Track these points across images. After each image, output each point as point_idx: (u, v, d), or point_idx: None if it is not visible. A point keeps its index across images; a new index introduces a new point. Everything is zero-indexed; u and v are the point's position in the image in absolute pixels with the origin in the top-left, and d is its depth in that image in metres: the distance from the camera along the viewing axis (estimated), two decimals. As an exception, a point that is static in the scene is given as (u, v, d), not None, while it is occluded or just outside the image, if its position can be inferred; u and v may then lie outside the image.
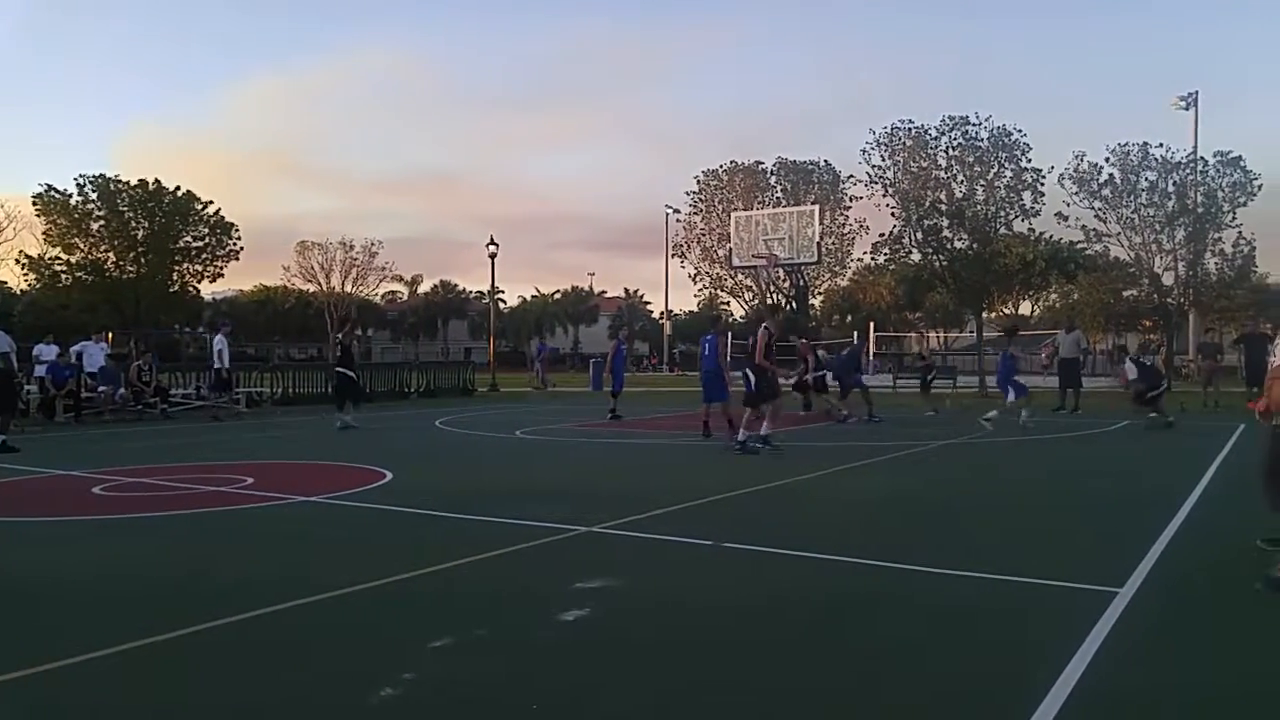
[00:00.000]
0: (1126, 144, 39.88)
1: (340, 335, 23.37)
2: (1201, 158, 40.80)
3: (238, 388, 29.54)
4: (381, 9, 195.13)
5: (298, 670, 5.45)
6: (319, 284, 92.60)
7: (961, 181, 38.22)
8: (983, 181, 38.01)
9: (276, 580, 7.45)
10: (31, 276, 66.23)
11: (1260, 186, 39.07)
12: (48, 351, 25.57)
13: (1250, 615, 6.52)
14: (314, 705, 4.94)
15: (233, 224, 68.34)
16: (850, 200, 46.50)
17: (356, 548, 8.97)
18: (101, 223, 62.39)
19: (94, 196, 62.46)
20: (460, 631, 6.06)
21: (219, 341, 26.15)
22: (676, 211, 53.97)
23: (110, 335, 33.07)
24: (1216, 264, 40.98)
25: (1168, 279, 41.76)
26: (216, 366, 26.19)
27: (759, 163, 48.36)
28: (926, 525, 10.18)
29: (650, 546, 8.90)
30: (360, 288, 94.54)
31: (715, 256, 47.77)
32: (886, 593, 7.23)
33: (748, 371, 16.75)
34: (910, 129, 38.71)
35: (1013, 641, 5.98)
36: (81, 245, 62.42)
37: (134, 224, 62.98)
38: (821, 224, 35.50)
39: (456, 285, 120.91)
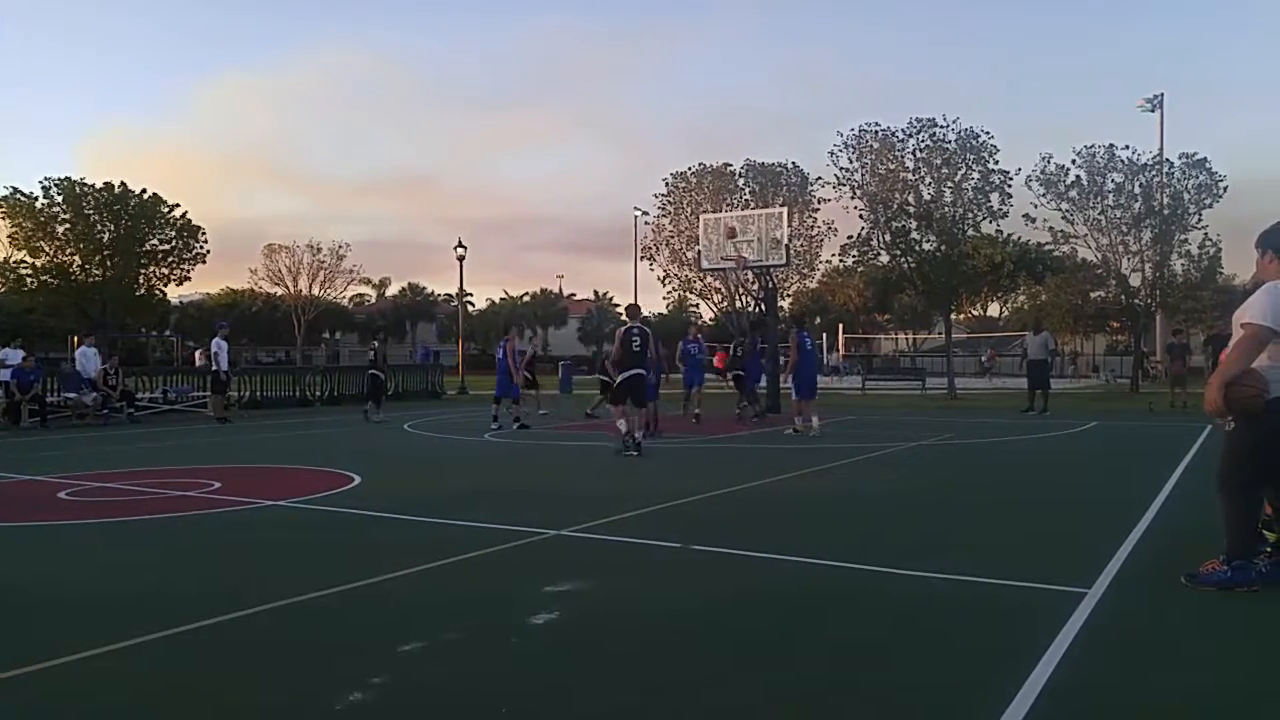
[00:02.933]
0: (1093, 146, 40.11)
1: (375, 342, 27.07)
2: (1167, 160, 41.06)
3: (206, 391, 29.50)
4: (351, 9, 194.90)
5: (266, 675, 5.40)
6: (286, 287, 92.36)
7: (929, 183, 38.35)
8: (950, 183, 38.13)
9: (243, 585, 7.40)
10: (-5, 281, 65.77)
11: (1226, 188, 39.36)
12: (13, 356, 25.38)
13: (1217, 615, 6.55)
14: (282, 710, 4.89)
15: (200, 227, 67.79)
16: (819, 202, 46.53)
17: (324, 552, 8.92)
18: (67, 226, 61.74)
19: (59, 199, 61.85)
20: (430, 635, 6.03)
21: (216, 344, 26.18)
22: (645, 214, 53.93)
23: (76, 339, 32.85)
24: (1183, 265, 41.23)
25: (1135, 280, 42.04)
26: (214, 369, 26.19)
27: (727, 165, 48.35)
28: (894, 526, 10.19)
29: (619, 549, 8.89)
30: (328, 291, 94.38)
31: (684, 259, 47.68)
32: (855, 594, 7.24)
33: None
34: (877, 131, 38.81)
35: (982, 642, 5.99)
36: (47, 248, 61.77)
37: (100, 227, 62.36)
38: (790, 226, 35.41)
39: (425, 288, 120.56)
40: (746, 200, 45.94)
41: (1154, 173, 40.21)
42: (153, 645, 5.86)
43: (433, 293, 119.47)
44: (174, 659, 5.69)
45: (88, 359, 26.69)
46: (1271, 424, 6.74)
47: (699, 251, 34.28)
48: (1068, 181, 40.20)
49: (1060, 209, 40.53)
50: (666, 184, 48.98)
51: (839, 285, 78.83)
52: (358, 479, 13.61)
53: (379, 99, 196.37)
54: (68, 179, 61.97)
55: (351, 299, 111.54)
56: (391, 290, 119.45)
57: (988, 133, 37.81)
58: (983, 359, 66.50)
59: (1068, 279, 49.68)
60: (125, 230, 62.98)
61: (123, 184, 63.21)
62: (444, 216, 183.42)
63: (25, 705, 4.98)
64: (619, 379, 17.33)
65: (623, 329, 17.71)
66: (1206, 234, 40.23)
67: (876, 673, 5.45)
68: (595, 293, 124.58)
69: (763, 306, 36.38)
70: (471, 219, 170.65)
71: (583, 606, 6.83)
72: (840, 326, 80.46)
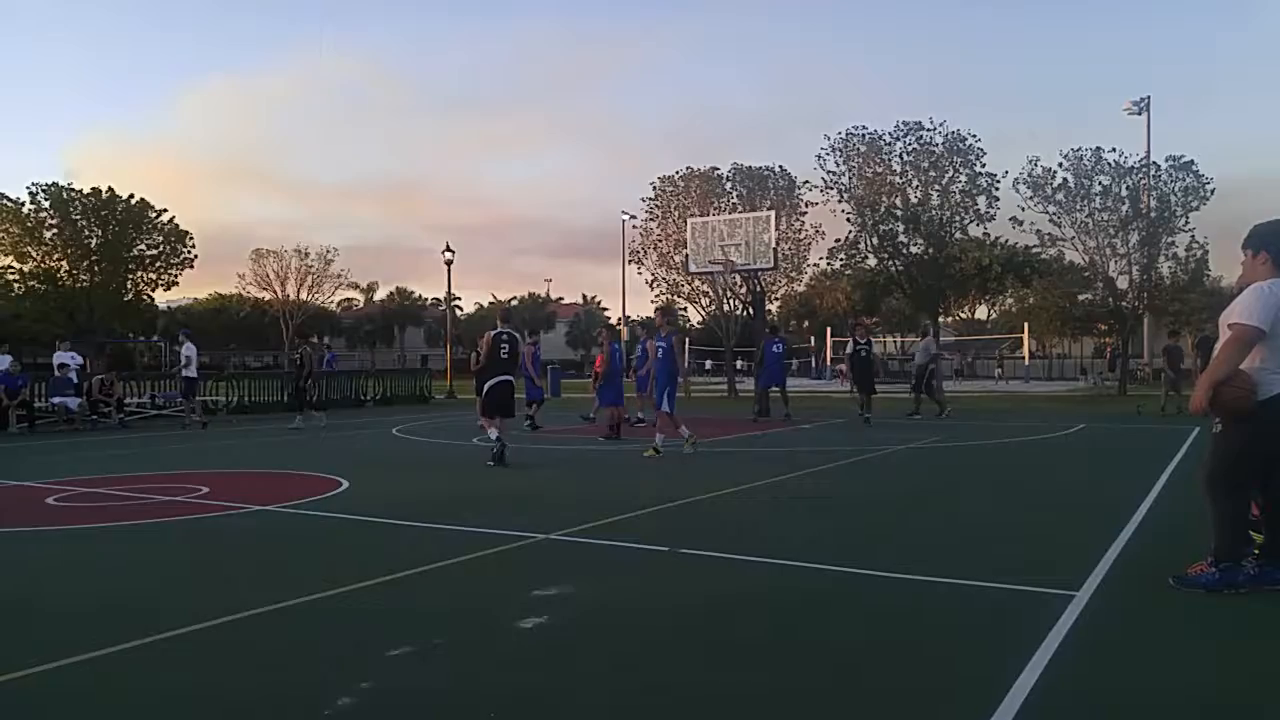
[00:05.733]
0: (1080, 149, 40.22)
1: (305, 345, 25.79)
2: (1154, 162, 41.17)
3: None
4: (337, 14, 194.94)
5: (253, 680, 5.39)
6: (274, 292, 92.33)
7: (916, 187, 38.46)
8: (937, 186, 38.26)
9: (230, 590, 7.39)
10: (-17, 287, 65.65)
11: (1212, 191, 39.47)
12: (0, 361, 25.34)
13: (1205, 617, 6.56)
14: (270, 714, 4.89)
15: (187, 232, 67.96)
16: (806, 206, 46.51)
17: (312, 557, 8.91)
18: (54, 231, 61.84)
19: (47, 205, 61.89)
20: (417, 640, 6.01)
21: (189, 349, 26.18)
22: (633, 218, 53.84)
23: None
24: (1170, 268, 41.34)
25: (1122, 283, 42.12)
26: (188, 375, 26.20)
27: (715, 168, 48.26)
28: (881, 529, 10.20)
29: (607, 553, 8.89)
30: (316, 295, 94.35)
31: (672, 263, 47.58)
32: (843, 597, 7.25)
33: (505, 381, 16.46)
34: (864, 135, 38.93)
35: (970, 645, 6.00)
36: (34, 254, 61.87)
37: (87, 233, 62.46)
38: (778, 230, 35.43)
39: (413, 292, 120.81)
40: (734, 204, 45.88)
41: (1141, 175, 40.33)
42: (139, 651, 5.85)
43: (421, 297, 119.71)
44: (161, 664, 5.68)
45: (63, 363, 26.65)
46: (1260, 426, 6.75)
47: (687, 255, 34.31)
48: (1055, 184, 40.30)
49: (1047, 212, 40.67)
50: (654, 188, 48.90)
51: (827, 288, 78.78)
52: (346, 484, 13.58)
53: (366, 104, 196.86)
54: (55, 185, 62.03)
55: (339, 303, 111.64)
56: (379, 295, 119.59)
57: (974, 135, 38.00)
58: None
59: (1055, 282, 49.79)
60: (113, 236, 63.05)
61: (110, 189, 63.26)
62: (431, 221, 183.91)
63: (14, 709, 4.97)
64: (486, 387, 16.49)
65: (491, 333, 16.79)
66: (1193, 236, 40.42)
67: (866, 675, 5.46)
68: (583, 296, 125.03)
69: (751, 310, 36.44)
70: (459, 223, 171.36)
71: (571, 610, 6.83)
72: (829, 330, 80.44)
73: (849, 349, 26.04)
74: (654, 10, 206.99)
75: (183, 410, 27.11)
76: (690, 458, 16.44)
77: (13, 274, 63.33)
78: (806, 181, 45.21)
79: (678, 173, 48.65)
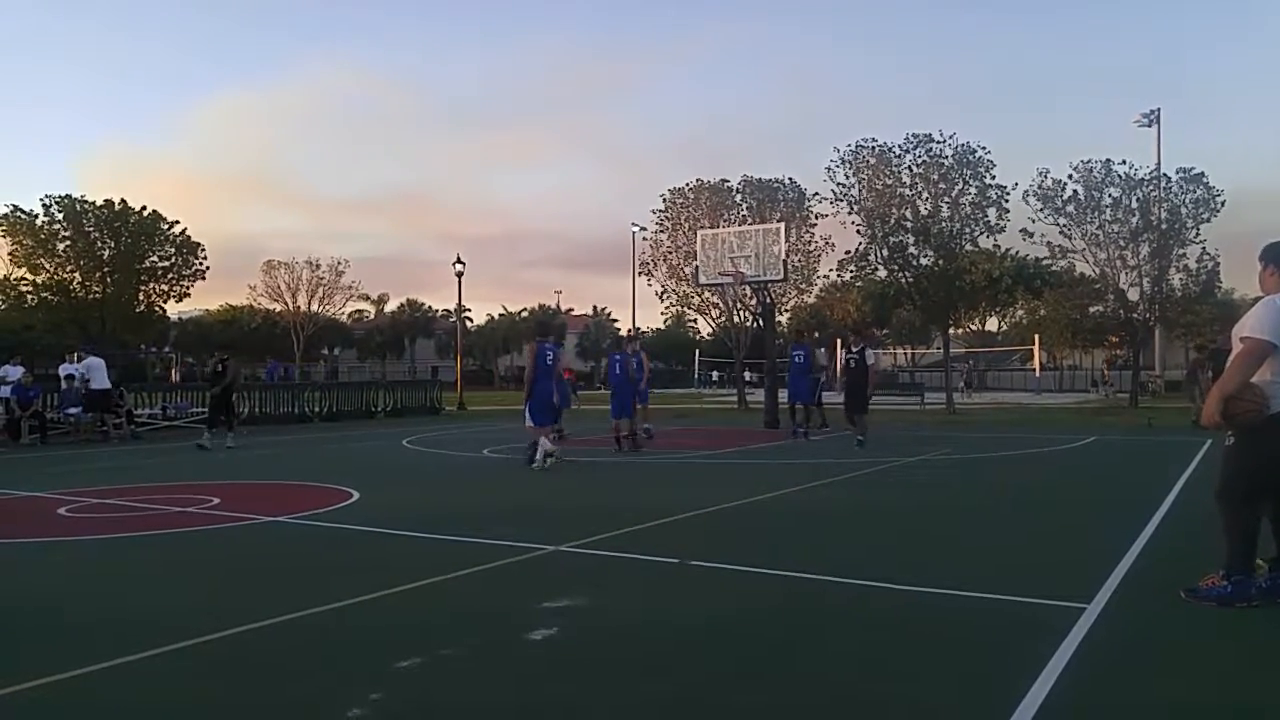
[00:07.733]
0: (1090, 161, 40.07)
1: (223, 357, 24.23)
2: (1164, 174, 41.03)
3: (196, 407, 29.72)
4: (348, 27, 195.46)
5: (262, 691, 5.40)
6: (285, 303, 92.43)
7: (926, 199, 38.38)
8: (947, 198, 38.15)
9: (240, 601, 7.39)
10: (-3, 298, 65.88)
11: (1223, 203, 39.32)
12: (13, 373, 25.43)
13: (1217, 629, 6.54)
14: (279, 728, 4.91)
15: (199, 244, 68.03)
16: (816, 218, 46.43)
17: (322, 568, 8.91)
18: (67, 243, 61.97)
19: (60, 217, 62.05)
20: (427, 652, 6.02)
21: (95, 363, 26.11)
22: (643, 229, 53.78)
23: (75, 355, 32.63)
24: (1181, 279, 41.13)
25: (1133, 294, 41.95)
26: (99, 388, 25.79)
27: (725, 181, 48.14)
28: (890, 542, 10.19)
29: (617, 565, 8.87)
30: (327, 307, 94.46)
31: (682, 274, 47.51)
32: (852, 610, 7.24)
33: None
34: (874, 147, 38.86)
35: (980, 658, 5.98)
36: (47, 266, 62.00)
37: (100, 244, 62.58)
38: (788, 241, 35.43)
39: (424, 304, 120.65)
40: (744, 216, 45.83)
41: (1151, 187, 40.19)
42: (149, 662, 5.85)
43: (431, 309, 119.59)
44: (170, 676, 5.69)
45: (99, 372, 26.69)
46: (1271, 438, 6.74)
47: (696, 267, 34.27)
48: (1065, 196, 40.19)
49: (1058, 224, 40.54)
50: (664, 200, 48.92)
51: (837, 300, 78.84)
52: (356, 495, 13.60)
53: (377, 116, 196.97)
54: (68, 197, 62.20)
55: (350, 315, 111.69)
56: (390, 306, 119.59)
57: (984, 148, 37.90)
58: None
59: (1066, 293, 49.61)
60: (125, 247, 63.20)
61: (123, 201, 63.45)
62: (442, 233, 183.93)
63: (21, 719, 4.99)
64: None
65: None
66: (1204, 248, 40.22)
67: (876, 687, 5.45)
68: (594, 308, 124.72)
69: (761, 322, 36.40)
70: (470, 235, 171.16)
71: (582, 622, 6.83)
72: (838, 341, 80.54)
73: (843, 357, 23.87)
74: (664, 23, 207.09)
75: (105, 426, 26.03)
76: (704, 469, 16.41)
77: (26, 285, 63.51)
78: (816, 194, 45.20)
79: (688, 185, 48.65)
